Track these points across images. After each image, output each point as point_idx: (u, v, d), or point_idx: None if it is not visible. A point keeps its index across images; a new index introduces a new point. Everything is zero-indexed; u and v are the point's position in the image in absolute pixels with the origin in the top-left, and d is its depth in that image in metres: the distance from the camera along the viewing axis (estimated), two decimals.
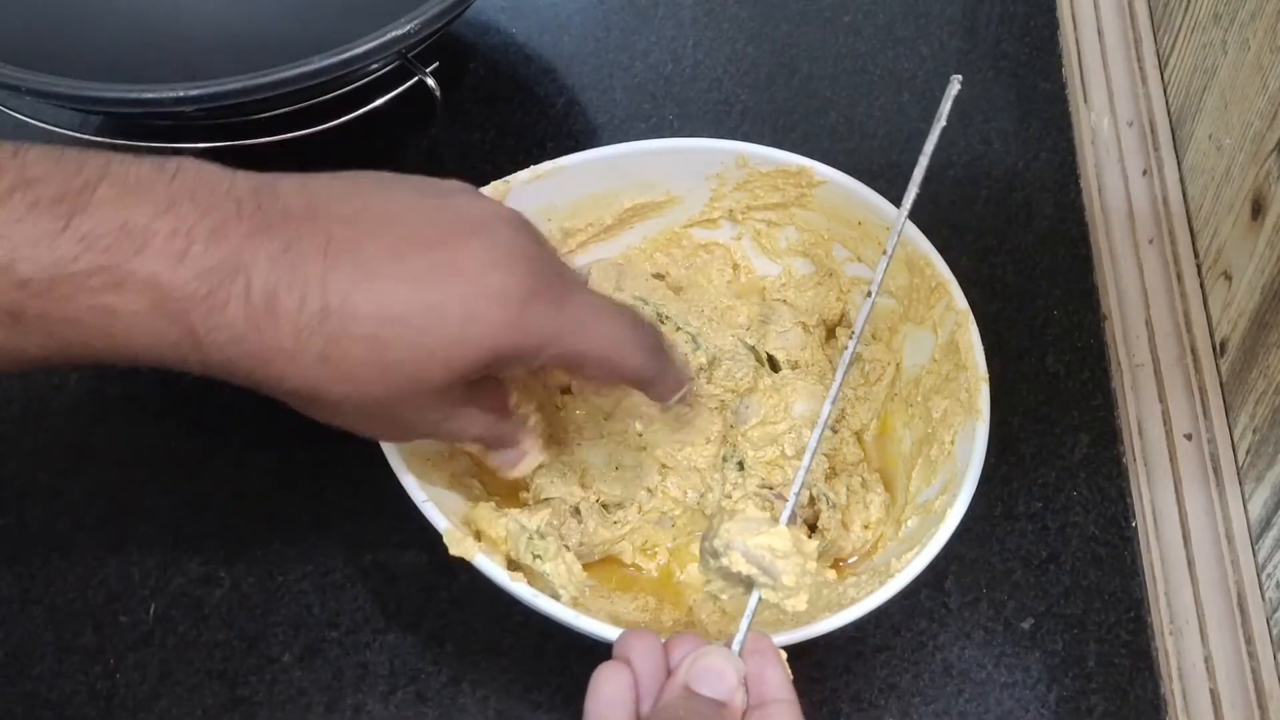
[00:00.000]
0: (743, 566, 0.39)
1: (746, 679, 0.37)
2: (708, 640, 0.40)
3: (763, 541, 0.39)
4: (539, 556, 0.45)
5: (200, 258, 0.34)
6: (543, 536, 0.46)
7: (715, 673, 0.36)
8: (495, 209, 0.40)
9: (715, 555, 0.39)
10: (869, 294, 0.44)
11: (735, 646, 0.37)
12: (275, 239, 0.35)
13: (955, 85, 0.46)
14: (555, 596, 0.44)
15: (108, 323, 0.34)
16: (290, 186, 0.37)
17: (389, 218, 0.38)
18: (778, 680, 0.37)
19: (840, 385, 0.43)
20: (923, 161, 0.45)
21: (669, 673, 0.37)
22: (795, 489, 0.41)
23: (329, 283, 0.35)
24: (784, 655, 0.38)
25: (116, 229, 0.34)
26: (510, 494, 0.50)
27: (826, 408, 0.42)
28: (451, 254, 0.37)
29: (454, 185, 0.41)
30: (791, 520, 0.40)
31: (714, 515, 0.50)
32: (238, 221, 0.35)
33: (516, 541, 0.46)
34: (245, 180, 0.37)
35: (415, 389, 0.38)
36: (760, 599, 0.39)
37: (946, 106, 0.45)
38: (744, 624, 0.38)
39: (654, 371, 0.43)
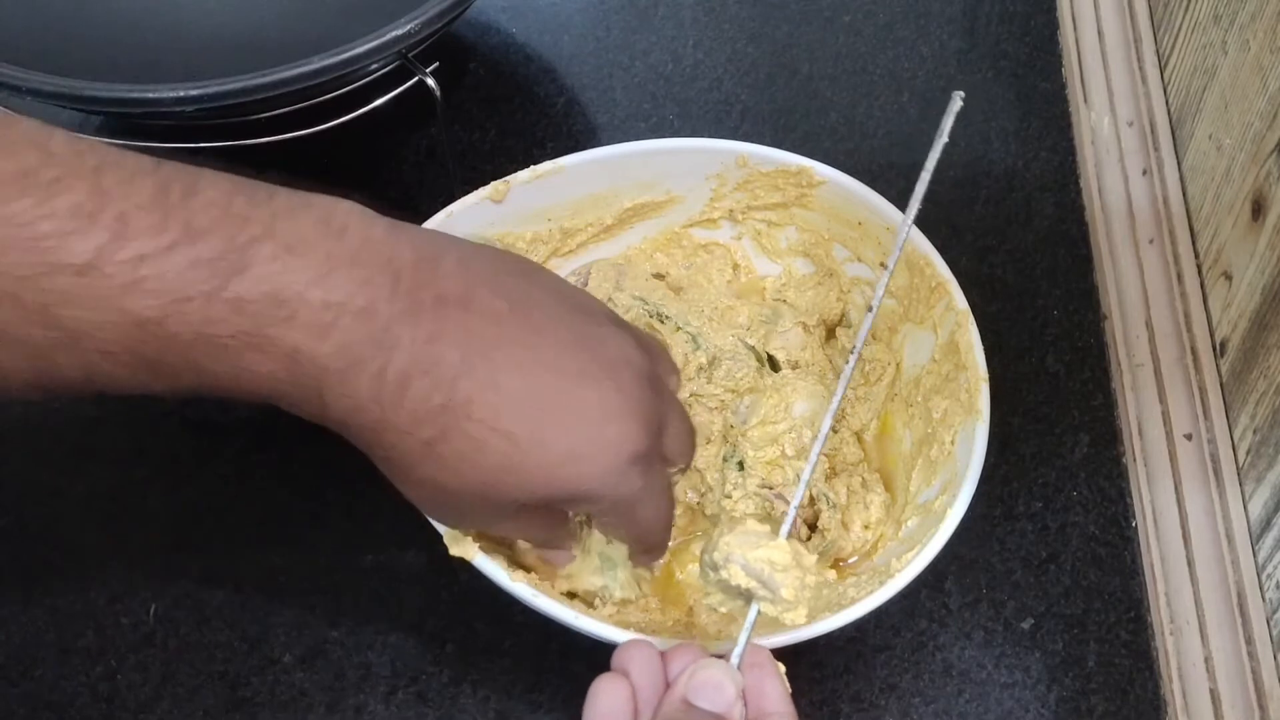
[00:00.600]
0: (742, 580, 0.38)
1: (745, 692, 0.37)
2: (707, 647, 0.40)
3: (762, 555, 0.38)
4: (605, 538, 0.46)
5: (345, 333, 0.34)
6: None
7: (714, 685, 0.36)
8: (629, 351, 0.40)
9: (714, 568, 0.39)
10: (869, 308, 0.44)
11: (734, 659, 0.37)
12: (423, 325, 0.35)
13: (957, 101, 0.45)
14: (613, 568, 0.46)
15: (238, 375, 0.34)
16: (451, 265, 0.37)
17: (535, 328, 0.38)
18: (776, 693, 0.37)
19: (841, 398, 0.43)
20: (924, 177, 0.45)
21: (667, 685, 0.37)
22: (795, 503, 0.41)
23: (459, 381, 0.36)
24: (783, 669, 0.38)
25: (269, 295, 0.33)
26: None
27: (826, 423, 0.42)
28: (578, 389, 0.38)
29: (598, 309, 0.41)
30: (793, 533, 0.40)
31: (713, 516, 0.50)
32: (391, 299, 0.35)
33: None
34: (409, 249, 0.36)
35: (498, 496, 0.38)
36: (759, 612, 0.39)
37: (948, 123, 0.45)
38: (742, 637, 0.38)
39: (659, 547, 0.44)
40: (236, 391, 0.35)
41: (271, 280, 0.33)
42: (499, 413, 0.36)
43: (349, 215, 0.35)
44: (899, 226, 0.46)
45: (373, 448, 0.37)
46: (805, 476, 0.41)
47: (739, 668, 0.37)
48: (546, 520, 0.43)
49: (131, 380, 0.34)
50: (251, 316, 0.33)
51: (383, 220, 0.36)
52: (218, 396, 0.35)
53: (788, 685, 0.38)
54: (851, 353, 0.44)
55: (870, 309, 0.44)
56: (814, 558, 0.40)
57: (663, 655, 0.38)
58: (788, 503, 0.50)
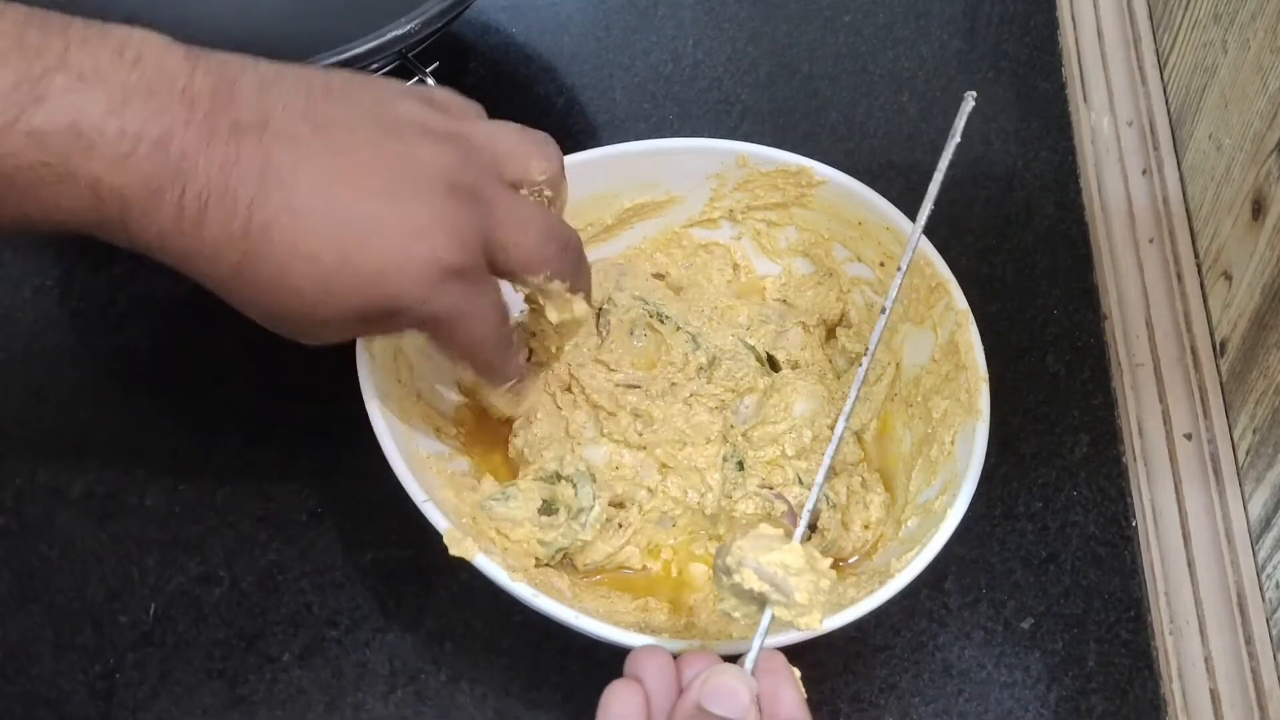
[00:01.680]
0: (755, 584, 0.38)
1: (759, 698, 0.36)
2: (710, 647, 0.40)
3: (775, 558, 0.38)
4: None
5: (143, 162, 0.35)
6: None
7: (728, 691, 0.36)
8: (442, 163, 0.39)
9: (728, 572, 0.39)
10: (883, 310, 0.44)
11: (748, 665, 0.37)
12: (219, 152, 0.36)
13: (969, 102, 0.45)
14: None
15: (45, 209, 0.35)
16: (249, 91, 0.37)
17: (336, 149, 0.38)
18: (791, 699, 0.37)
19: (853, 404, 0.42)
20: (937, 178, 0.45)
21: (680, 690, 0.37)
22: (808, 507, 0.40)
23: (256, 206, 0.36)
24: (798, 674, 0.38)
25: (67, 127, 0.34)
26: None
27: (839, 428, 0.42)
28: (383, 207, 0.38)
29: (413, 122, 0.40)
30: (805, 537, 0.40)
31: (713, 516, 0.50)
32: (186, 126, 0.35)
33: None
34: (203, 77, 0.36)
35: (317, 314, 0.39)
36: (773, 617, 0.38)
37: (961, 123, 0.45)
38: (756, 642, 0.37)
39: (494, 368, 0.44)
40: (47, 225, 0.36)
41: (68, 111, 0.34)
42: (298, 237, 0.37)
43: (144, 44, 0.36)
44: (911, 232, 0.45)
45: (188, 273, 0.38)
46: (819, 480, 0.41)
47: (753, 673, 0.37)
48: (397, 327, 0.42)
49: None
50: (50, 148, 0.34)
51: (180, 48, 0.37)
52: (34, 231, 0.36)
53: (803, 691, 0.37)
54: (865, 355, 0.43)
55: (884, 310, 0.44)
56: (828, 561, 0.39)
57: (676, 661, 0.38)
58: (788, 503, 0.50)
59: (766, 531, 0.39)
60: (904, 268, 0.44)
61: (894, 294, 0.44)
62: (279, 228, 0.36)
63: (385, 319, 0.40)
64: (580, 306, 0.45)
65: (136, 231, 0.36)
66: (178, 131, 0.35)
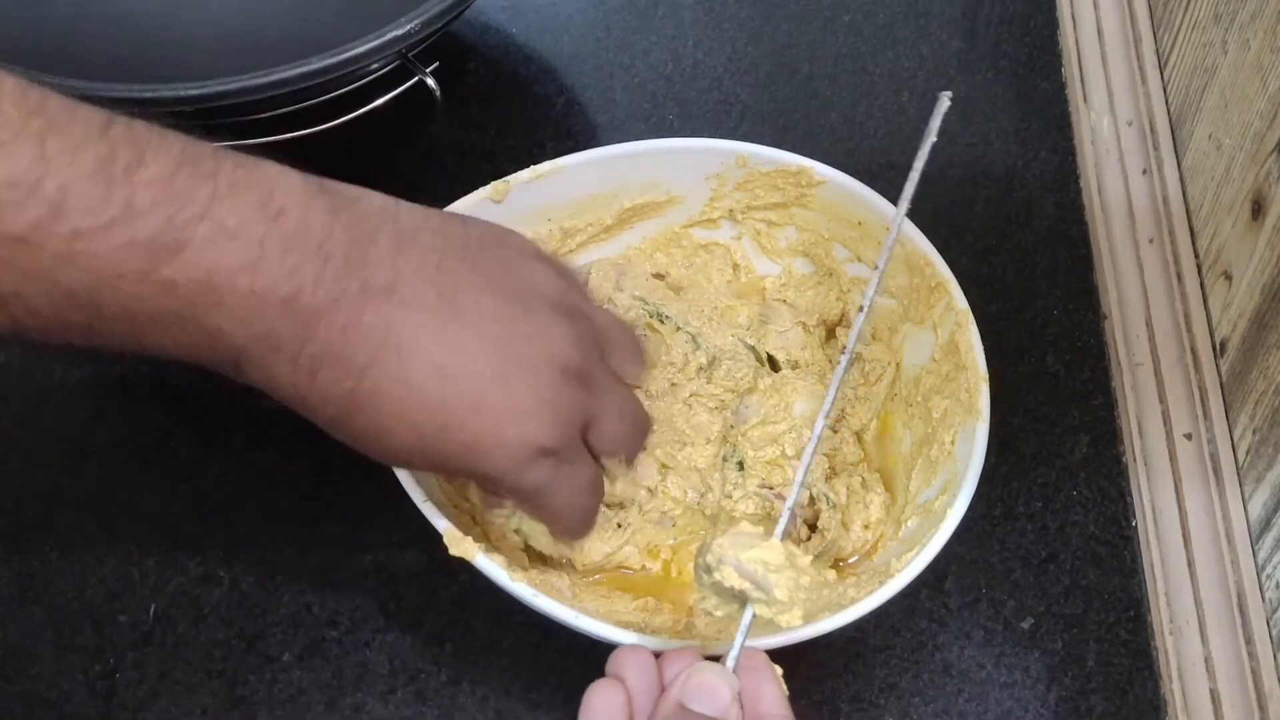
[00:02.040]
0: (735, 581, 0.38)
1: (741, 695, 0.36)
2: (705, 648, 0.40)
3: (755, 555, 0.38)
4: None
5: (267, 321, 0.35)
6: None
7: (709, 689, 0.36)
8: (558, 346, 0.40)
9: (708, 570, 0.39)
10: (861, 309, 0.44)
11: (730, 663, 0.37)
12: (343, 314, 0.36)
13: (945, 102, 0.46)
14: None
15: (162, 345, 0.35)
16: (383, 250, 0.37)
17: (457, 319, 0.38)
18: (772, 696, 0.37)
19: (834, 399, 0.43)
20: (913, 177, 0.45)
21: (663, 689, 0.37)
22: (789, 505, 0.40)
23: (369, 371, 0.37)
24: (779, 671, 0.38)
25: (200, 280, 0.34)
26: None
27: (819, 424, 0.42)
28: (489, 387, 0.38)
29: (540, 294, 0.41)
30: (787, 534, 0.40)
31: (713, 516, 0.50)
32: (315, 287, 0.36)
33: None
34: (342, 232, 0.36)
35: (410, 466, 0.43)
36: (754, 614, 0.38)
37: (936, 123, 0.45)
38: (738, 640, 0.38)
39: (575, 533, 0.45)
40: (158, 355, 0.36)
41: (204, 265, 0.34)
42: (404, 404, 0.38)
43: (288, 195, 0.36)
44: (890, 225, 0.46)
45: (293, 409, 0.39)
46: (799, 478, 0.41)
47: (735, 671, 0.37)
48: None
49: (58, 337, 0.35)
50: (179, 298, 0.34)
51: (322, 198, 0.36)
52: (139, 355, 0.36)
53: (784, 688, 0.38)
54: (843, 353, 0.44)
55: (861, 309, 0.44)
56: (809, 558, 0.39)
57: (658, 659, 0.38)
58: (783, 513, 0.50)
59: (746, 529, 0.39)
60: (881, 266, 0.45)
61: (871, 292, 0.44)
62: (387, 393, 0.37)
63: (474, 480, 0.43)
64: (632, 486, 0.47)
65: (248, 374, 0.37)
66: (307, 290, 0.35)
